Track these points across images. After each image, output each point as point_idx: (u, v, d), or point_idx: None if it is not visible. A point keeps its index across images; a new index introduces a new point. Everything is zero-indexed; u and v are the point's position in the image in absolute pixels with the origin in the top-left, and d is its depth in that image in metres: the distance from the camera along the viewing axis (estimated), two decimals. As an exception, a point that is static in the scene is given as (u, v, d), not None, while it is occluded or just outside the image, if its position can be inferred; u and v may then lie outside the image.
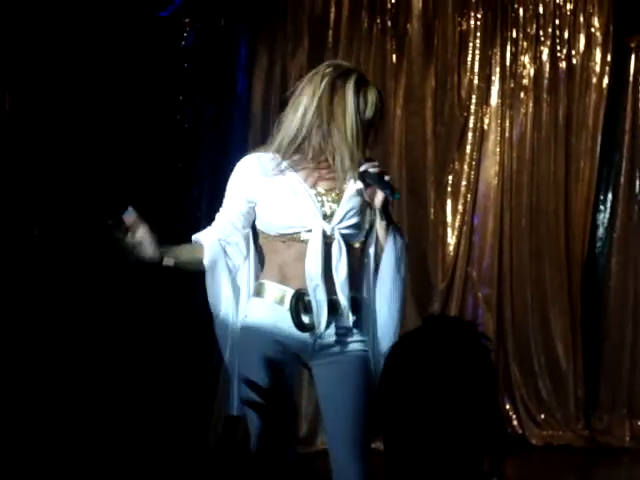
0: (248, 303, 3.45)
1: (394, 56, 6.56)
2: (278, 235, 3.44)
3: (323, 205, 3.45)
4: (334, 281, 3.39)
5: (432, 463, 1.74)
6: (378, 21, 6.53)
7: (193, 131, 5.43)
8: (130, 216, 3.30)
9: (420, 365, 1.75)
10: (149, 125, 5.37)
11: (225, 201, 3.45)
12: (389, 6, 6.56)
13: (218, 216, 3.46)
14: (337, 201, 3.45)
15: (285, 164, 3.45)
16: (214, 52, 5.72)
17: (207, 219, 3.55)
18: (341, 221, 3.42)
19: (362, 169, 3.39)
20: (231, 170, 3.45)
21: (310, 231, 3.41)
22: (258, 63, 5.93)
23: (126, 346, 5.31)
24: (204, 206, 5.61)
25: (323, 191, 3.45)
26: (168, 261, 3.35)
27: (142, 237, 3.30)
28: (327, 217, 3.42)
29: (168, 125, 5.51)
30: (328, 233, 3.41)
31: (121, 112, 5.34)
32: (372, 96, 3.42)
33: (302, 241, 3.42)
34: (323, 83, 3.39)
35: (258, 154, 3.49)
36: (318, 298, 3.38)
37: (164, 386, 5.49)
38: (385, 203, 3.41)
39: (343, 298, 3.39)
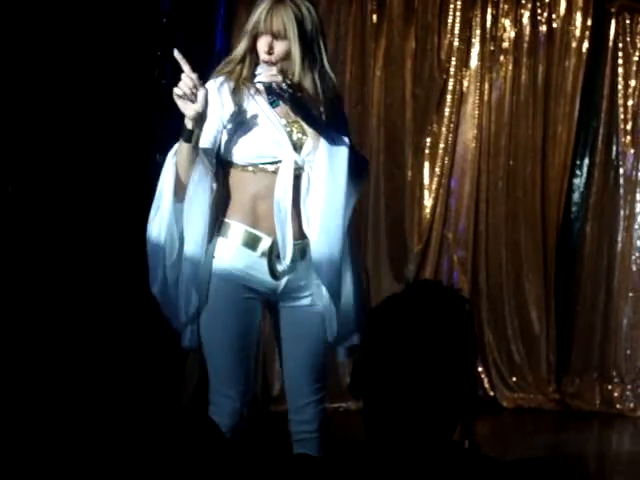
0: (213, 242, 3.41)
1: (374, 17, 6.52)
2: (246, 165, 3.40)
3: (292, 135, 3.43)
4: (301, 217, 3.38)
5: (409, 425, 1.77)
6: (356, -20, 6.47)
7: (171, 87, 5.38)
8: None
9: (401, 329, 1.77)
10: (128, 79, 5.32)
11: None
12: (370, -34, 6.50)
13: None
14: (303, 131, 3.42)
15: (253, 89, 3.43)
16: (193, 9, 5.66)
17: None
18: (309, 153, 3.39)
19: (257, 80, 3.36)
20: None
21: (279, 162, 3.39)
22: (237, 21, 5.87)
23: (105, 304, 5.29)
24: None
25: (290, 120, 3.43)
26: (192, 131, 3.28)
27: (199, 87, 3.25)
28: (297, 148, 3.41)
29: (146, 80, 5.46)
30: (299, 164, 3.40)
31: (99, 67, 5.29)
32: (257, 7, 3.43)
33: (272, 172, 3.39)
34: None
35: (222, 78, 3.46)
36: (288, 242, 3.37)
37: (135, 341, 5.48)
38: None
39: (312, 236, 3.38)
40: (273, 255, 3.40)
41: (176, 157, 3.34)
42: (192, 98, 3.23)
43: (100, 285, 5.25)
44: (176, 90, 3.26)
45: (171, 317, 3.46)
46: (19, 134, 5.15)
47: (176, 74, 3.35)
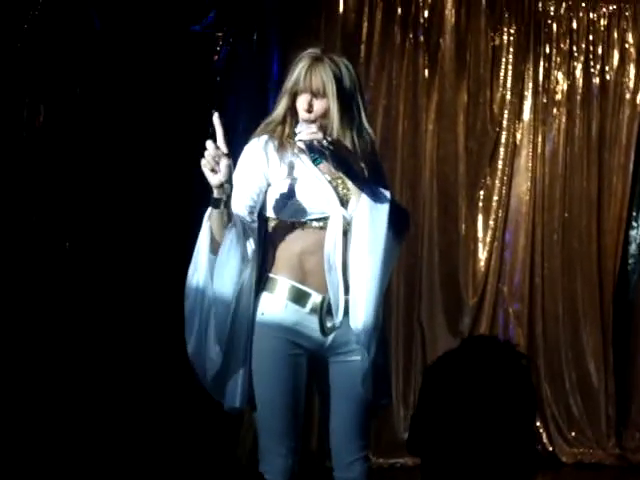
0: (260, 298, 3.40)
1: (426, 71, 6.56)
2: (294, 221, 3.41)
3: (338, 190, 3.44)
4: (347, 273, 3.36)
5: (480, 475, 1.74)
6: (411, 36, 6.52)
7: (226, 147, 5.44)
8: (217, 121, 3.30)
9: (459, 385, 1.75)
10: (183, 139, 5.38)
11: (237, 187, 3.32)
12: (422, 21, 6.55)
13: (233, 203, 3.34)
14: (347, 187, 3.43)
15: (297, 147, 3.44)
16: (246, 67, 5.72)
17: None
18: (355, 209, 3.39)
19: (298, 138, 3.36)
20: None
21: (326, 218, 3.40)
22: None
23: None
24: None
25: (334, 177, 3.45)
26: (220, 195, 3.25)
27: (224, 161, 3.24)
28: (343, 203, 3.41)
29: (200, 139, 5.51)
30: (347, 219, 3.40)
31: (154, 127, 5.36)
32: (296, 66, 3.46)
33: (319, 228, 3.40)
34: None
35: (267, 136, 3.48)
36: (340, 299, 3.36)
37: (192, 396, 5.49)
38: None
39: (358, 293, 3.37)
40: (323, 311, 3.40)
41: (209, 221, 3.34)
42: (216, 168, 3.22)
43: (151, 342, 5.28)
44: (202, 160, 3.26)
45: (202, 380, 3.45)
46: (75, 190, 5.23)
47: (231, 133, 3.37)
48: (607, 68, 6.88)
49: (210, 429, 5.44)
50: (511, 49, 6.73)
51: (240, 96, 5.61)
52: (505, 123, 6.76)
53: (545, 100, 6.82)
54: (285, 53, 5.95)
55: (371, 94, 6.32)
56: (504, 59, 6.71)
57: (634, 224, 7.09)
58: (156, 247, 5.39)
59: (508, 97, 6.74)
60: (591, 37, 6.87)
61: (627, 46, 6.90)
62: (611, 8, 6.85)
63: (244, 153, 3.50)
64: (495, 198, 6.76)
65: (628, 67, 6.90)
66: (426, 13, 6.55)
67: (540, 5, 6.78)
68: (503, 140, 6.77)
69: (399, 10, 6.49)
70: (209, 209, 3.32)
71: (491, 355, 1.78)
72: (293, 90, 3.44)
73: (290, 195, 3.41)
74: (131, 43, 5.31)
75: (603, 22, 6.88)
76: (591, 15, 6.84)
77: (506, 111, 6.75)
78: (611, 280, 6.93)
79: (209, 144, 3.25)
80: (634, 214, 7.08)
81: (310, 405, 5.32)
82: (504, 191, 6.76)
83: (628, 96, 6.89)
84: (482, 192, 6.76)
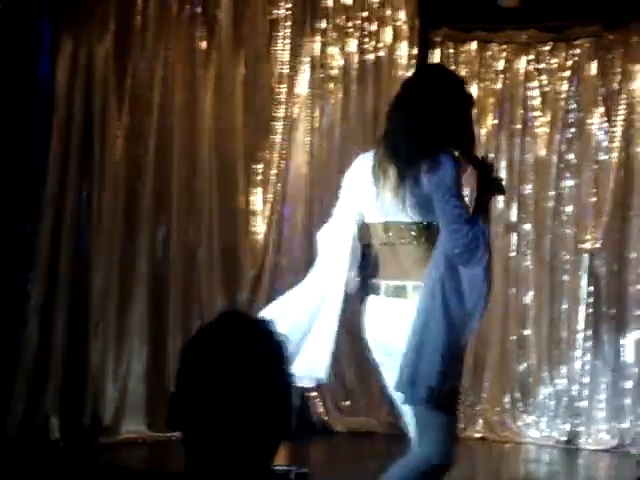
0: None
1: (204, 43, 6.51)
2: None
3: None
4: None
5: (226, 454, 1.79)
6: (187, 7, 6.44)
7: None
8: None
9: (212, 360, 1.79)
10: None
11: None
12: (199, -8, 6.49)
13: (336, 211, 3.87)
14: None
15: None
16: (15, 34, 5.54)
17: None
18: None
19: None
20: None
21: None
22: (63, 46, 5.77)
23: None
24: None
25: None
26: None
27: None
28: None
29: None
30: None
31: None
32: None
33: None
34: None
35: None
36: None
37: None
38: None
39: None
40: None
41: None
42: None
43: None
44: None
45: None
46: None
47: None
48: (380, 45, 7.03)
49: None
50: (288, 23, 6.78)
51: (8, 64, 5.42)
52: (283, 97, 6.80)
53: (322, 75, 6.91)
54: (57, 20, 5.79)
55: (147, 64, 6.21)
56: (281, 33, 6.75)
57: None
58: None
59: (285, 71, 6.79)
60: (365, 14, 6.99)
61: (399, 24, 7.06)
62: (385, -15, 7.00)
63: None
64: (273, 172, 6.81)
65: (400, 44, 7.07)
66: (203, -16, 6.49)
67: (316, -19, 6.85)
68: (281, 114, 6.81)
69: (177, -19, 6.41)
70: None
71: (244, 331, 1.83)
72: None
73: None
74: None
75: (376, -1, 7.03)
76: (365, -9, 6.97)
77: (284, 85, 6.79)
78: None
79: None
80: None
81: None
82: (282, 165, 6.82)
83: (401, 72, 7.06)
84: (261, 165, 6.79)
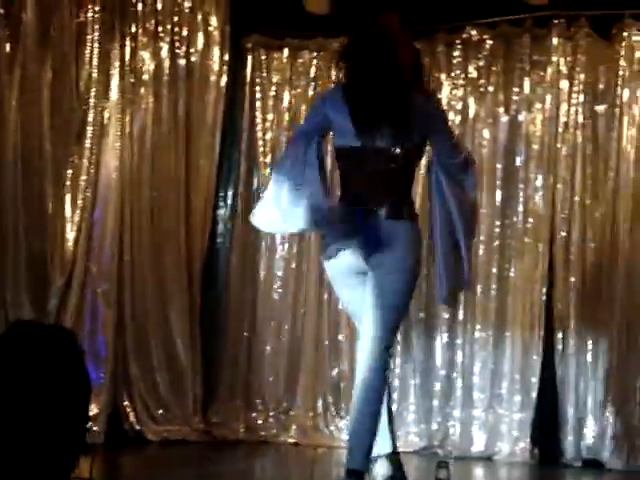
0: None
1: (7, 45, 6.31)
2: None
3: None
4: None
5: (22, 467, 1.74)
6: (-8, 8, 6.24)
7: None
8: None
9: (7, 373, 1.71)
10: None
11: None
12: (3, -8, 6.29)
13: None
14: None
15: None
16: None
17: None
18: None
19: None
20: None
21: None
22: None
23: None
24: None
25: None
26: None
27: None
28: None
29: None
30: None
31: None
32: None
33: None
34: None
35: None
36: None
37: None
38: None
39: None
40: None
41: None
42: None
43: None
44: None
45: None
46: None
47: None
48: (192, 50, 7.00)
49: None
50: (96, 27, 6.64)
51: None
52: (92, 101, 6.67)
53: (132, 80, 6.81)
54: None
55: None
56: (90, 36, 6.62)
57: (221, 204, 7.27)
58: None
59: (95, 75, 6.66)
60: (176, 18, 6.94)
61: (211, 29, 7.04)
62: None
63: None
64: (83, 177, 6.67)
65: (212, 50, 7.05)
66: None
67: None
68: (90, 119, 6.68)
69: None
70: None
71: (37, 341, 1.75)
72: None
73: None
74: None
75: (187, 4, 6.98)
76: (180, -3, 6.92)
77: (93, 89, 6.67)
78: (200, 259, 7.08)
79: None
80: (221, 194, 7.26)
81: None
82: (92, 170, 6.69)
83: (213, 78, 7.05)
84: (70, 171, 6.65)
